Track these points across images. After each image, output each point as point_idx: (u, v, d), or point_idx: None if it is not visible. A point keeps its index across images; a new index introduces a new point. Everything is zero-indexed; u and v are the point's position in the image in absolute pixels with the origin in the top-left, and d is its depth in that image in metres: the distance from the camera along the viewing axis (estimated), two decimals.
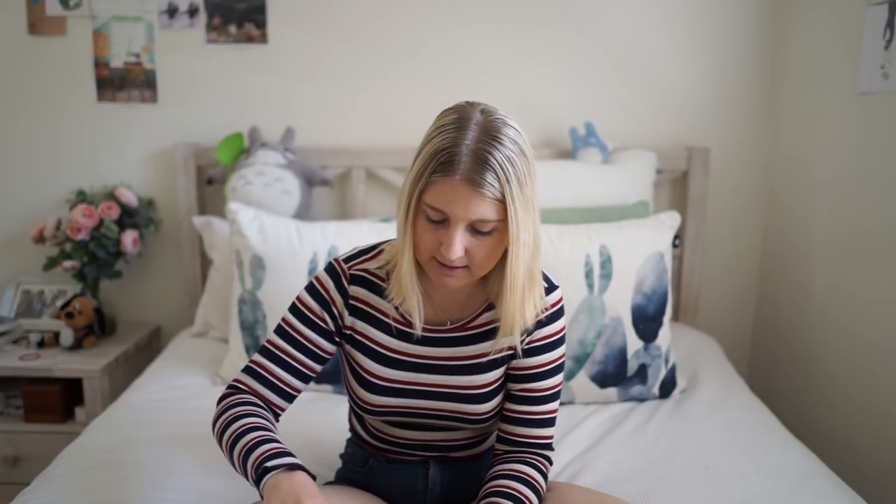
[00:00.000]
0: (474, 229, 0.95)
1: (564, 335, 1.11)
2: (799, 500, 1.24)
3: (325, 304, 1.08)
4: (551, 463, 1.11)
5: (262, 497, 0.91)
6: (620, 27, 2.13)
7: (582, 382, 1.66)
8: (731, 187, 2.21)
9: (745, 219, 2.24)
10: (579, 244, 1.70)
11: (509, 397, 1.11)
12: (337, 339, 1.10)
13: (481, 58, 2.14)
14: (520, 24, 2.13)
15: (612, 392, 1.68)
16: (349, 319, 1.09)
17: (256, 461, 0.93)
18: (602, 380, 1.67)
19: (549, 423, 1.10)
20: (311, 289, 1.10)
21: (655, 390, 1.70)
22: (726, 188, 2.21)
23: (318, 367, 1.09)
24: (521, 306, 1.00)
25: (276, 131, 2.14)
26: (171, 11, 2.13)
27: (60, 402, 1.94)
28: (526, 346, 1.08)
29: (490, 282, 1.06)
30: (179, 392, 1.69)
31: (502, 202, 0.93)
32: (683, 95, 2.17)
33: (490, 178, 0.91)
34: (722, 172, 2.19)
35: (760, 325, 2.27)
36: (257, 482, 0.92)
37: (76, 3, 2.12)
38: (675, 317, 2.19)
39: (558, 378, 1.10)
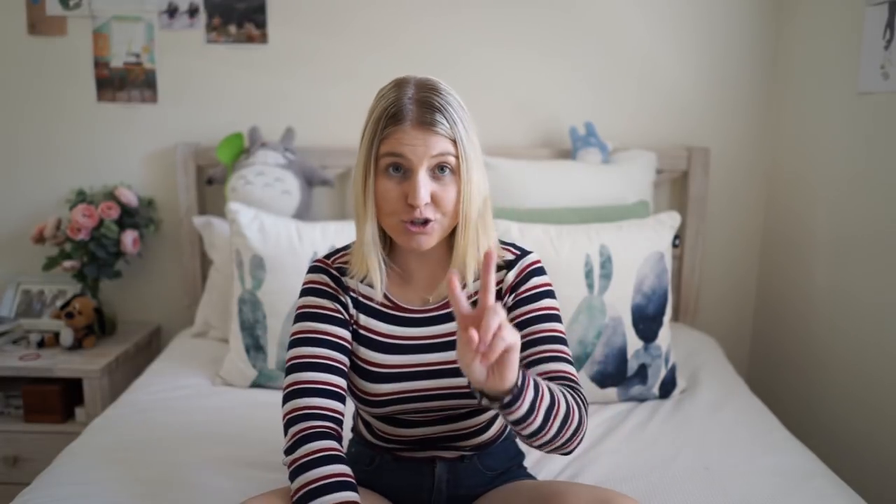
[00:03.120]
0: (434, 171, 0.99)
1: (552, 291, 1.11)
2: (799, 500, 1.24)
3: (332, 296, 1.08)
4: (586, 403, 1.04)
5: None
6: (621, 27, 2.13)
7: (582, 382, 1.65)
8: (731, 187, 2.22)
9: (745, 219, 2.24)
10: (579, 244, 1.70)
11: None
12: (352, 328, 1.10)
13: (481, 57, 2.14)
14: (520, 25, 2.13)
15: (611, 392, 1.68)
16: (353, 311, 1.10)
17: None
18: (602, 380, 1.67)
19: (567, 361, 1.06)
20: (311, 291, 1.10)
21: (655, 390, 1.70)
22: (726, 188, 2.21)
23: (347, 361, 1.08)
24: (474, 242, 1.04)
25: (276, 131, 2.14)
26: (171, 11, 2.13)
27: (60, 402, 1.94)
28: (515, 300, 1.09)
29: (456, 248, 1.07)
30: (179, 392, 1.69)
31: (453, 141, 0.99)
32: (683, 95, 2.17)
33: (438, 117, 0.98)
34: (722, 172, 2.19)
35: (760, 324, 2.27)
36: None
37: (76, 3, 2.12)
38: (675, 317, 2.19)
39: (559, 325, 1.09)
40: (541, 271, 1.12)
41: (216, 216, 2.11)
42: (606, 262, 1.69)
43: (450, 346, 1.09)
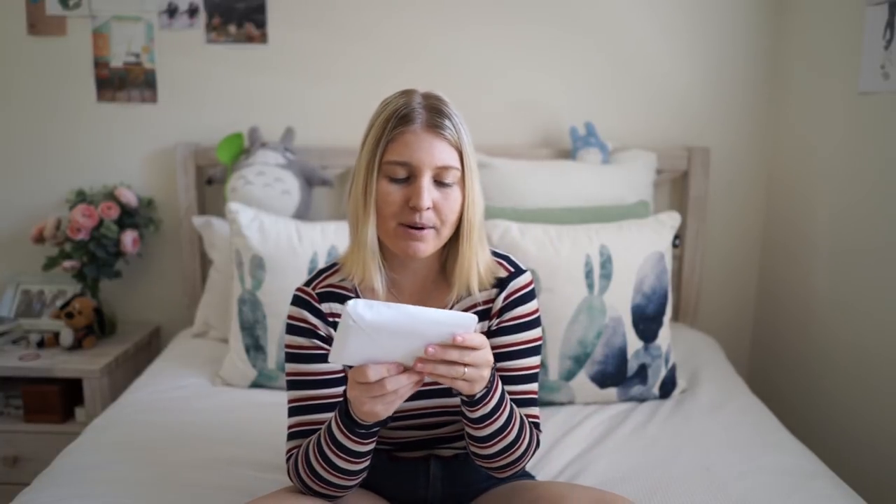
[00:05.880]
0: (437, 181, 1.00)
1: (538, 318, 1.11)
2: (799, 500, 1.24)
3: (310, 332, 1.07)
4: (538, 443, 1.09)
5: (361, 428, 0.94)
6: (621, 27, 2.13)
7: (582, 382, 1.66)
8: (731, 187, 2.21)
9: (745, 219, 2.24)
10: (579, 244, 1.70)
11: None
12: None
13: (481, 57, 2.14)
14: (520, 25, 2.13)
15: (612, 392, 1.68)
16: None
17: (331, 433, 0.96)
18: (602, 380, 1.67)
19: (531, 402, 1.09)
20: (290, 329, 1.09)
21: (655, 390, 1.70)
22: (726, 188, 2.21)
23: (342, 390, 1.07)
24: (476, 255, 1.05)
25: (276, 131, 2.14)
26: (171, 11, 2.13)
27: (60, 402, 1.94)
28: (498, 326, 1.08)
29: (450, 263, 1.07)
30: (179, 392, 1.69)
31: (459, 151, 1.01)
32: (683, 95, 2.17)
33: (447, 123, 1.00)
34: (722, 172, 2.19)
35: (760, 325, 2.27)
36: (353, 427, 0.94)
37: (76, 3, 2.12)
38: (675, 317, 2.19)
39: (535, 360, 1.10)
40: (529, 296, 1.10)
41: (216, 216, 2.10)
42: (606, 263, 1.69)
43: None
